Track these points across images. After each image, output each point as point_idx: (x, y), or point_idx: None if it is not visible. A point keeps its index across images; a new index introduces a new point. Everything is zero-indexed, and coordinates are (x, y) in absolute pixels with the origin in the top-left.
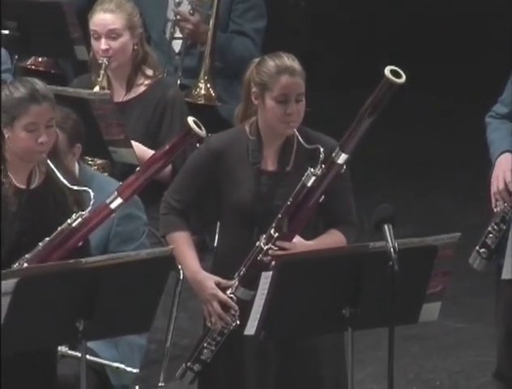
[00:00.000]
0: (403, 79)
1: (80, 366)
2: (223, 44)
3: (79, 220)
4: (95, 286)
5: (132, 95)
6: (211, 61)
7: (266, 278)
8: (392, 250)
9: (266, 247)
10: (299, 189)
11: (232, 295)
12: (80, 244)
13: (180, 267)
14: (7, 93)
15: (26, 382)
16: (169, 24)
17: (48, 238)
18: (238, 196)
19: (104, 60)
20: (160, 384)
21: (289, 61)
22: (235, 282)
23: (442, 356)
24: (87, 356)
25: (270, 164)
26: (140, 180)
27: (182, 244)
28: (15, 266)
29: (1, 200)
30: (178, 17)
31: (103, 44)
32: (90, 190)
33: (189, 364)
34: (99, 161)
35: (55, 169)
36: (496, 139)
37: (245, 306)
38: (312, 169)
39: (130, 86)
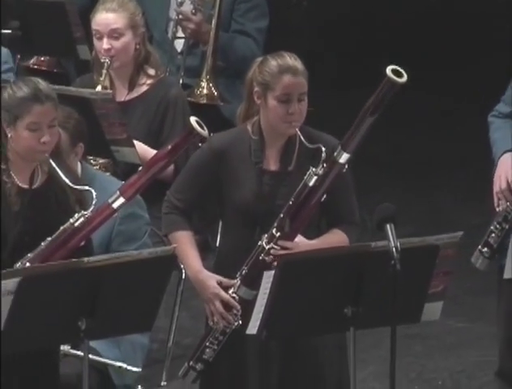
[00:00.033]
0: (405, 78)
1: (82, 365)
2: (225, 44)
3: (82, 219)
4: (97, 285)
5: (134, 94)
6: (213, 61)
7: (268, 277)
8: (394, 249)
9: (268, 247)
10: (301, 188)
11: (234, 294)
12: (82, 243)
13: (182, 266)
14: (10, 92)
15: (28, 381)
16: (171, 24)
17: (50, 238)
18: (240, 196)
19: (107, 59)
20: (162, 383)
21: (292, 60)
22: (237, 281)
23: (444, 355)
24: (90, 356)
25: (272, 164)
26: (142, 179)
27: (185, 243)
28: (18, 265)
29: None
30: (180, 16)
31: (105, 43)
32: (92, 190)
33: (191, 363)
34: (101, 160)
35: (57, 169)
36: (498, 139)
37: (247, 306)
38: (314, 169)
39: (132, 85)
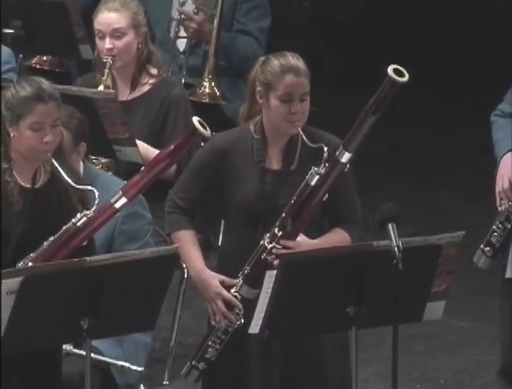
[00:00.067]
0: (406, 78)
1: (85, 365)
2: (227, 44)
3: (84, 219)
4: (99, 284)
5: (136, 94)
6: (215, 61)
7: (270, 277)
8: (396, 248)
9: (270, 246)
10: (302, 188)
11: (236, 294)
12: (85, 243)
13: (184, 265)
14: (13, 92)
15: (31, 380)
16: (174, 23)
17: (52, 237)
18: (243, 195)
19: (109, 59)
20: (164, 382)
21: (294, 60)
22: (239, 281)
23: (447, 354)
24: (92, 355)
25: (274, 163)
26: (145, 179)
27: (187, 242)
28: (20, 264)
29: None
30: (183, 16)
31: (107, 43)
32: (94, 190)
33: (193, 362)
34: (103, 160)
35: (60, 169)
36: (501, 138)
37: (250, 305)
38: (315, 168)
39: (134, 85)
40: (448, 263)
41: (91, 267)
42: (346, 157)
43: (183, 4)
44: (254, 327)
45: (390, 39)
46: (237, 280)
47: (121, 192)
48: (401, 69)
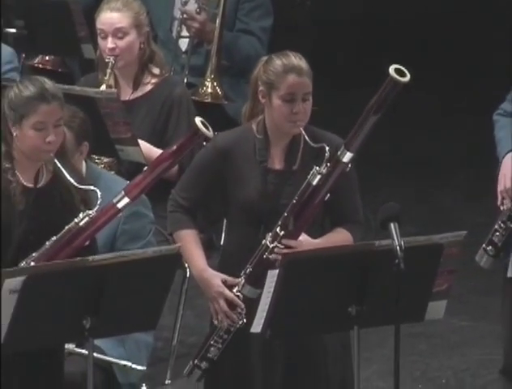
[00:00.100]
0: (408, 77)
1: (87, 364)
2: (229, 43)
3: (87, 219)
4: (102, 284)
5: (139, 93)
6: (217, 60)
7: (272, 276)
8: (398, 248)
9: (272, 245)
10: (304, 187)
11: (238, 293)
12: (87, 243)
13: (186, 264)
14: (17, 91)
15: (33, 379)
16: (176, 23)
17: (55, 237)
18: (245, 194)
19: (111, 59)
20: (166, 382)
21: (296, 60)
22: (241, 280)
23: (448, 354)
24: (94, 354)
25: (276, 163)
26: (147, 179)
27: (189, 242)
28: (22, 264)
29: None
30: (185, 16)
31: (109, 42)
32: (97, 190)
33: (196, 361)
34: (105, 159)
35: (62, 168)
36: (503, 138)
37: (252, 304)
38: (317, 168)
39: (136, 84)
40: (450, 263)
41: (94, 266)
42: (347, 157)
43: (185, 3)
44: (256, 327)
45: (390, 39)
46: (239, 280)
47: (123, 192)
48: (402, 69)
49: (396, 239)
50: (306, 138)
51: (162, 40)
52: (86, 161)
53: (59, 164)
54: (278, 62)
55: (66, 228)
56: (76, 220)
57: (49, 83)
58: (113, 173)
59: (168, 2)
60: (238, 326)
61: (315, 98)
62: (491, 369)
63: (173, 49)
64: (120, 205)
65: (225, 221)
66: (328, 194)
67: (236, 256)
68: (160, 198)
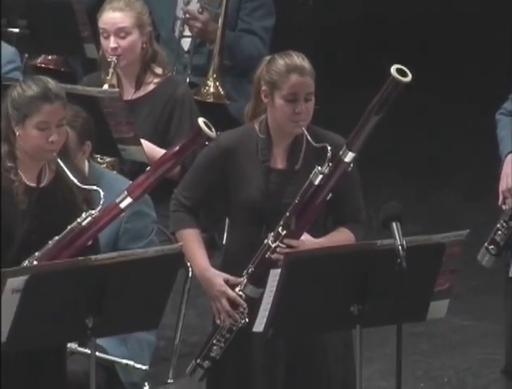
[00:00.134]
0: (409, 77)
1: (90, 363)
2: (231, 43)
3: (89, 219)
4: (104, 283)
5: (141, 93)
6: (219, 60)
7: (274, 275)
8: (400, 247)
9: (274, 245)
10: (306, 187)
11: (240, 292)
12: (90, 243)
13: (189, 264)
14: (20, 91)
15: (36, 378)
16: (178, 23)
17: (57, 237)
18: (247, 194)
19: (114, 58)
20: (168, 381)
21: (299, 60)
22: (243, 280)
23: (450, 353)
24: (97, 353)
25: (279, 163)
26: (150, 180)
27: (192, 241)
28: (25, 263)
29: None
30: (187, 15)
31: (112, 42)
32: (100, 190)
33: (198, 361)
34: (108, 159)
35: (65, 168)
36: (505, 137)
37: (254, 304)
38: (319, 168)
39: (139, 84)
40: (451, 262)
41: (96, 265)
42: (349, 157)
43: (188, 3)
44: (259, 326)
45: (391, 39)
46: (242, 279)
47: (126, 192)
48: (404, 69)
49: (398, 238)
50: (308, 137)
51: (164, 39)
52: (88, 161)
53: (62, 164)
54: (281, 62)
55: (69, 227)
56: (79, 219)
57: (52, 83)
58: (115, 172)
59: (171, 2)
60: (240, 325)
61: (318, 97)
62: (493, 369)
63: (176, 49)
64: (123, 205)
65: (227, 220)
66: (330, 194)
67: (239, 255)
68: (162, 197)
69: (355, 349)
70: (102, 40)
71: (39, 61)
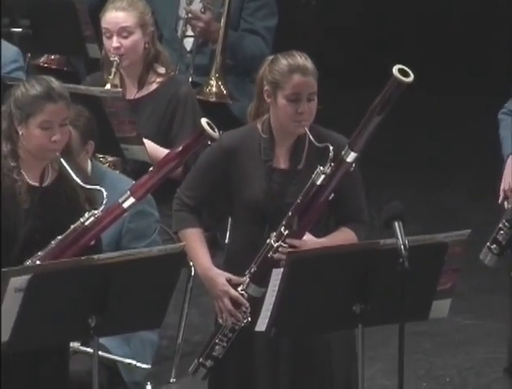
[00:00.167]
0: (411, 78)
1: (92, 362)
2: (234, 43)
3: (92, 218)
4: (107, 282)
5: (144, 92)
6: (222, 59)
7: (276, 275)
8: (402, 247)
9: (277, 245)
10: (308, 187)
11: (243, 292)
12: (92, 243)
13: (191, 263)
14: (23, 90)
15: (38, 378)
16: (181, 22)
17: (60, 236)
18: (250, 193)
19: (116, 58)
20: (171, 380)
21: (302, 60)
22: (246, 279)
23: (452, 352)
24: (99, 353)
25: (282, 162)
26: (153, 180)
27: (194, 240)
28: (28, 263)
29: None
30: (190, 15)
31: (114, 41)
32: (103, 190)
33: (201, 360)
34: (110, 158)
35: (68, 167)
36: (507, 137)
37: (256, 303)
38: (321, 168)
39: (141, 83)
40: (454, 261)
41: (99, 265)
42: (351, 157)
43: (190, 3)
44: (261, 325)
45: (391, 39)
46: (244, 279)
47: (129, 192)
48: (406, 69)
49: (400, 238)
50: (311, 137)
51: (167, 39)
52: (91, 160)
53: (65, 163)
54: (283, 62)
55: (72, 227)
56: (82, 219)
57: (55, 83)
58: (117, 171)
59: (173, 2)
60: (243, 324)
61: (320, 97)
62: (495, 368)
63: (178, 49)
64: (125, 205)
65: (230, 220)
66: (332, 194)
67: (241, 255)
68: (165, 196)
69: (357, 348)
70: (105, 40)
71: (42, 60)
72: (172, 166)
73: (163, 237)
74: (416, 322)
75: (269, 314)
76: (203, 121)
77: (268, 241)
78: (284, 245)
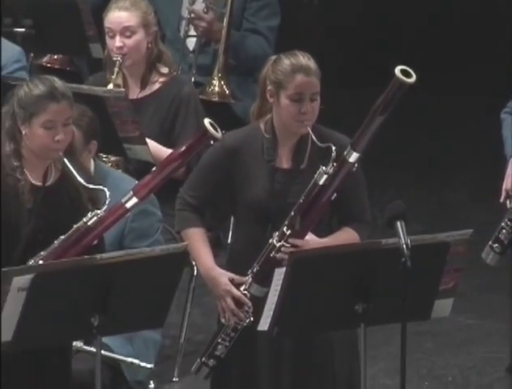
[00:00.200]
0: (414, 78)
1: (95, 362)
2: (236, 42)
3: (95, 218)
4: (109, 282)
5: (147, 92)
6: (224, 59)
7: (279, 274)
8: (405, 246)
9: (279, 244)
10: (311, 187)
11: (245, 291)
12: (95, 242)
13: (194, 263)
14: (26, 90)
15: (41, 377)
16: (184, 22)
17: (63, 236)
18: (252, 193)
19: (119, 57)
20: (174, 379)
21: (305, 60)
22: (248, 279)
23: (454, 352)
24: (102, 352)
25: (284, 162)
26: (156, 180)
27: (197, 240)
28: (31, 262)
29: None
30: (192, 15)
31: (117, 41)
32: (106, 190)
33: (203, 359)
34: (113, 158)
35: (71, 167)
36: (510, 136)
37: (259, 303)
38: (324, 168)
39: (144, 83)
40: (456, 261)
41: (102, 264)
42: (354, 157)
43: (193, 3)
44: (263, 325)
45: (391, 39)
46: (247, 278)
47: (132, 192)
48: (408, 69)
49: (402, 237)
50: (313, 137)
51: (170, 39)
52: (94, 160)
53: (68, 163)
54: (286, 62)
55: (75, 227)
56: (85, 219)
57: (58, 83)
58: (120, 171)
59: (176, 2)
60: (245, 324)
61: (321, 97)
62: (497, 367)
63: (181, 49)
64: (128, 205)
65: (233, 219)
66: (335, 194)
67: (244, 254)
68: (167, 196)
69: (359, 348)
70: (107, 40)
71: (44, 60)
72: (175, 166)
73: (165, 236)
74: (418, 322)
75: (271, 313)
76: (206, 121)
77: (271, 240)
78: (287, 244)
